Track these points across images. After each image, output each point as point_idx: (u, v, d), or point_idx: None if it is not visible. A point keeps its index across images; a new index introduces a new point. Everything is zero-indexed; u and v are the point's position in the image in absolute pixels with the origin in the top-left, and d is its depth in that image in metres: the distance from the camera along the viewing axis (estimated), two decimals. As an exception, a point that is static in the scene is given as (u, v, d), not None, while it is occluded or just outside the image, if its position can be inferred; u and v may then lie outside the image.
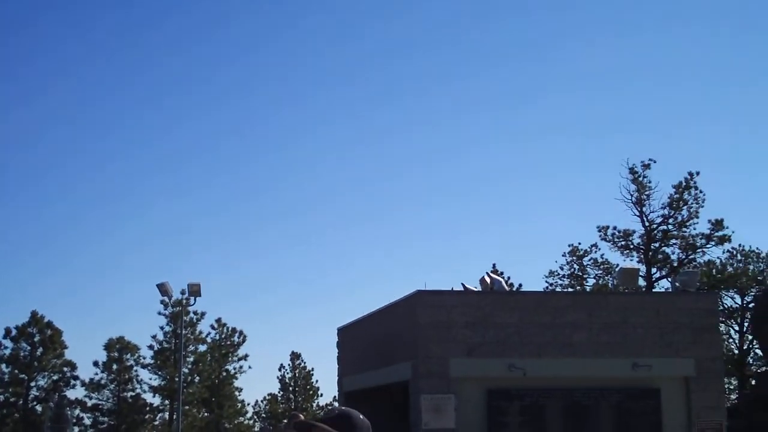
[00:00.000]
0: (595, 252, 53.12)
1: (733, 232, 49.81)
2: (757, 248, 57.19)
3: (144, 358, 62.64)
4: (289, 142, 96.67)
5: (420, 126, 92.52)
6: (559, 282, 53.83)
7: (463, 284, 25.24)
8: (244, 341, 64.85)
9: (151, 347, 62.00)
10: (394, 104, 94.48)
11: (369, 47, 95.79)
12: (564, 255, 54.00)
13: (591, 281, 53.59)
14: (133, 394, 62.70)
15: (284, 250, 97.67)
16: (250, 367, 65.65)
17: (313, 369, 70.41)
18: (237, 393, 65.06)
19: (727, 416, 24.63)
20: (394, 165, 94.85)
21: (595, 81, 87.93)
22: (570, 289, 51.60)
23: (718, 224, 49.20)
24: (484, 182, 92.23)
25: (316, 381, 70.48)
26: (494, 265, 51.49)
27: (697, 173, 48.99)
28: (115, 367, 62.77)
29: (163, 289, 38.44)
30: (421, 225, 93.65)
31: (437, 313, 23.16)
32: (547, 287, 52.04)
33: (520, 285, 52.46)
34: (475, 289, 25.45)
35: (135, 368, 62.86)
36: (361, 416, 3.85)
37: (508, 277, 52.03)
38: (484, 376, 23.05)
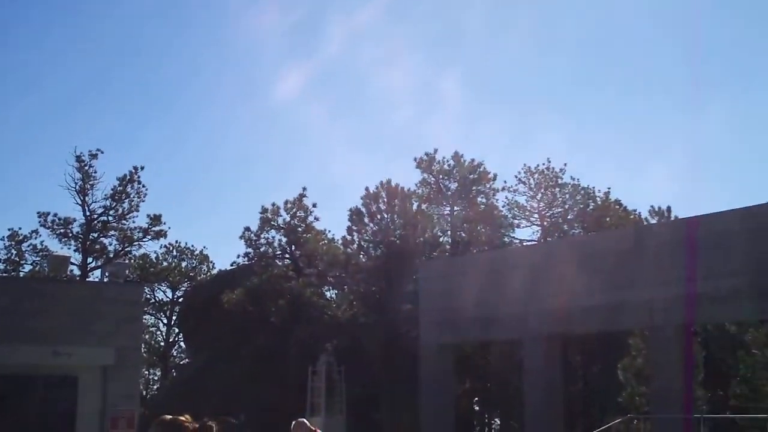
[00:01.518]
0: (35, 238, 52.49)
1: (169, 228, 52.19)
2: (192, 246, 60.38)
3: None
4: None
5: None
6: (-4, 267, 52.36)
7: None
8: None
9: None
10: None
11: None
12: (2, 239, 52.75)
13: (28, 267, 52.79)
14: None
15: None
16: None
17: None
18: None
19: (145, 405, 25.78)
20: None
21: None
22: (5, 275, 50.35)
23: (156, 219, 50.98)
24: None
25: None
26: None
27: (142, 168, 50.37)
28: None
29: None
30: None
31: None
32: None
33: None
34: None
35: None
36: None
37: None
38: None
